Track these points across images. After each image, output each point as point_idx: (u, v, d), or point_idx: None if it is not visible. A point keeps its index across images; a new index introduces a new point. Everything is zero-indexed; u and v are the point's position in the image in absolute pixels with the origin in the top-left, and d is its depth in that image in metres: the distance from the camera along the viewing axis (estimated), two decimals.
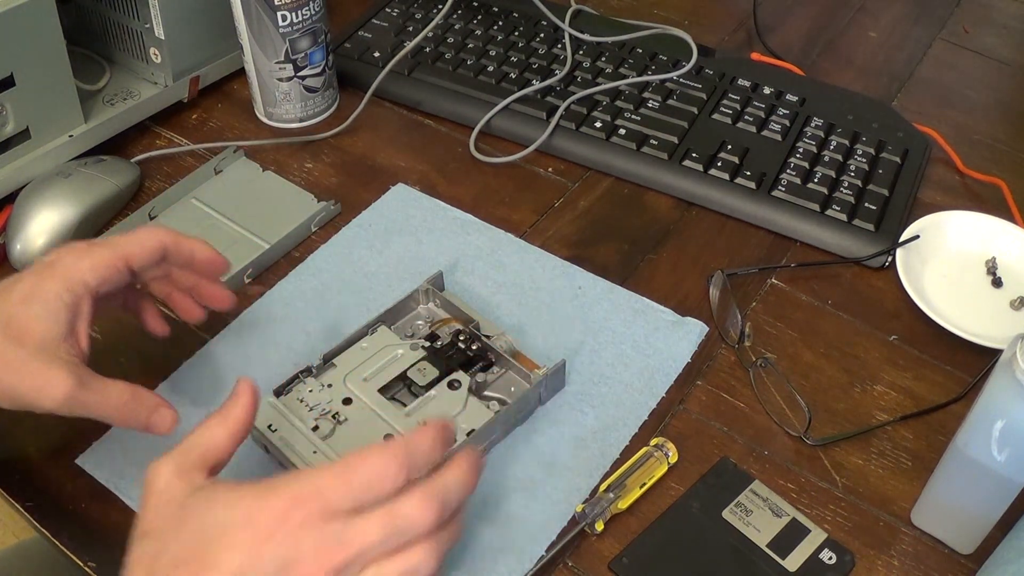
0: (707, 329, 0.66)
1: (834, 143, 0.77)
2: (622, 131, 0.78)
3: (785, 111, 0.80)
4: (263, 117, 0.81)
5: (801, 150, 0.77)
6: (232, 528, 0.44)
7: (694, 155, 0.76)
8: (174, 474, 0.47)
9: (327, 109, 0.82)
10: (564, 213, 0.75)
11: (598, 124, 0.78)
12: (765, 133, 0.78)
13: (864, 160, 0.76)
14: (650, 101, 0.80)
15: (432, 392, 0.59)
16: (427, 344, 0.62)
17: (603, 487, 0.56)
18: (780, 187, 0.74)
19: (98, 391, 0.51)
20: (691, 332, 0.66)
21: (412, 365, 0.61)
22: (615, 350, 0.64)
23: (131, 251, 0.55)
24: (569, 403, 0.61)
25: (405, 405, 0.59)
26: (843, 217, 0.72)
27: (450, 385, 0.60)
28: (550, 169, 0.78)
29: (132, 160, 0.76)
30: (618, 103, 0.80)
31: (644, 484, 0.57)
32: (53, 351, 0.51)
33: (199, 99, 0.82)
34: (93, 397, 0.51)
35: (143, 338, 0.61)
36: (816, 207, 0.73)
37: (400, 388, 0.60)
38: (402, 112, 0.83)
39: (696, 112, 0.80)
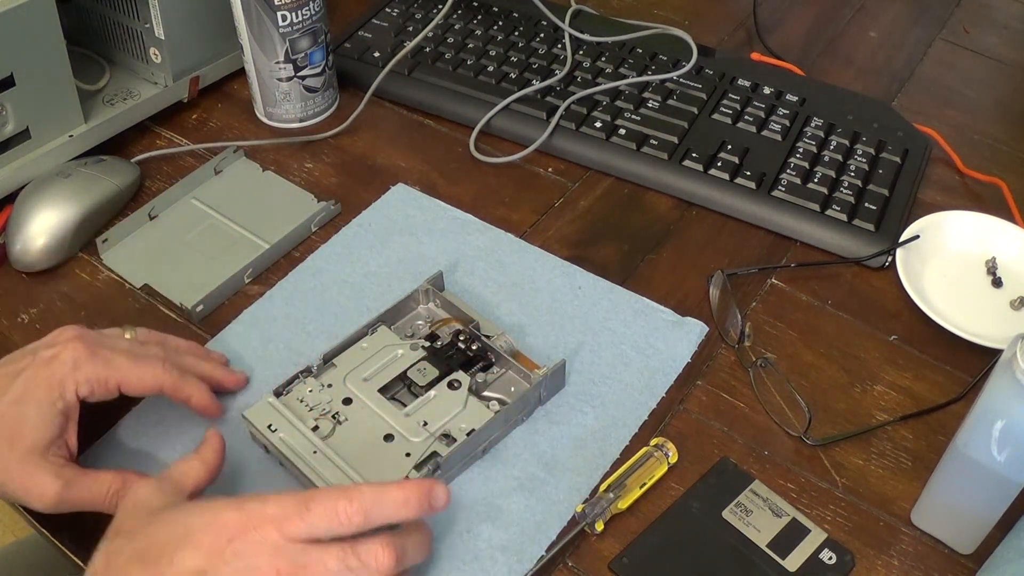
0: (707, 329, 0.66)
1: (834, 143, 0.77)
2: (622, 131, 0.78)
3: (785, 111, 0.80)
4: (263, 117, 0.81)
5: (801, 150, 0.77)
6: (195, 532, 0.45)
7: (694, 155, 0.76)
8: (154, 489, 0.50)
9: (327, 109, 0.82)
10: (564, 213, 0.75)
11: (598, 124, 0.78)
12: (765, 133, 0.78)
13: (864, 160, 0.76)
14: (650, 101, 0.80)
15: (432, 392, 0.59)
16: (427, 344, 0.62)
17: (603, 487, 0.56)
18: (780, 187, 0.74)
19: (85, 488, 0.53)
20: (691, 332, 0.66)
21: (412, 365, 0.61)
22: (615, 350, 0.64)
23: (126, 381, 0.55)
24: (569, 403, 0.61)
25: (405, 405, 0.59)
26: (843, 217, 0.72)
27: (450, 385, 0.60)
28: (550, 169, 0.78)
29: (132, 160, 0.76)
30: (618, 103, 0.80)
31: (644, 484, 0.57)
32: (42, 456, 0.52)
33: (199, 99, 0.82)
34: (81, 495, 0.53)
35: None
36: (816, 207, 0.73)
37: (400, 388, 0.60)
38: (402, 112, 0.83)
39: (696, 112, 0.80)
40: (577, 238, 0.73)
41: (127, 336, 0.58)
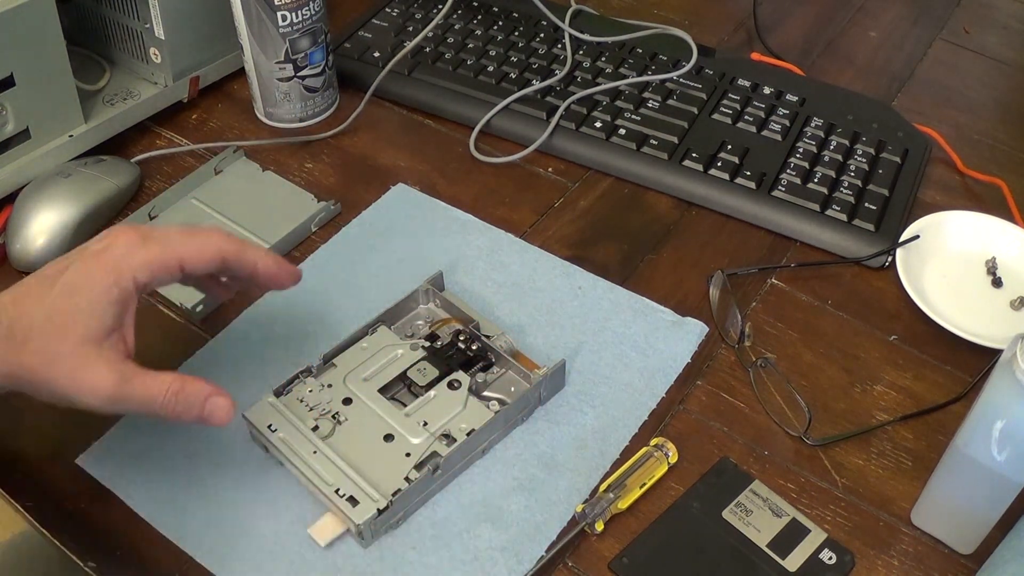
0: (707, 329, 0.66)
1: (834, 143, 0.77)
2: (622, 131, 0.78)
3: (785, 111, 0.80)
4: (263, 117, 0.81)
5: (801, 150, 0.77)
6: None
7: (694, 155, 0.76)
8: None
9: (327, 109, 0.82)
10: (564, 213, 0.75)
11: (598, 124, 0.78)
12: (765, 133, 0.78)
13: (864, 160, 0.76)
14: (650, 101, 0.80)
15: (432, 392, 0.59)
16: (427, 344, 0.62)
17: (603, 487, 0.56)
18: (780, 187, 0.74)
19: (143, 386, 0.49)
20: (691, 332, 0.66)
21: (412, 365, 0.61)
22: (615, 350, 0.64)
23: (187, 255, 0.51)
24: (569, 403, 0.61)
25: (405, 405, 0.59)
26: (843, 217, 0.72)
27: (450, 385, 0.60)
28: (550, 169, 0.78)
29: (132, 160, 0.76)
30: (618, 103, 0.80)
31: (644, 484, 0.57)
32: (96, 347, 0.49)
33: (199, 99, 0.82)
34: (138, 392, 0.49)
35: (143, 337, 0.60)
36: (816, 207, 0.73)
37: (400, 388, 0.60)
38: (402, 112, 0.83)
39: (696, 112, 0.80)
40: (577, 238, 0.73)
41: None
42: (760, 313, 0.68)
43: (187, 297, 0.66)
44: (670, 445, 0.58)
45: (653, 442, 0.59)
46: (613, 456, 0.59)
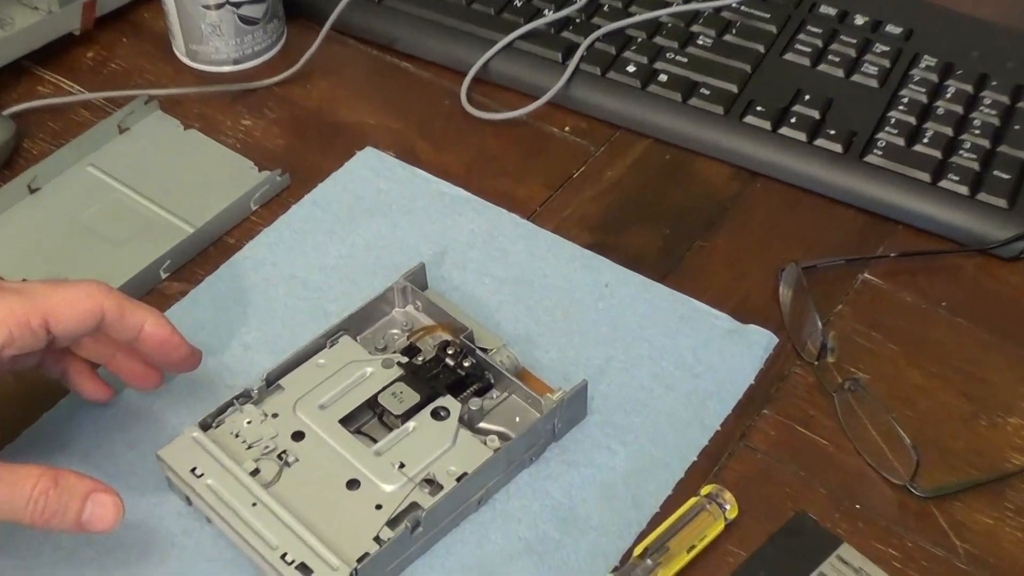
0: (776, 340, 0.67)
1: (952, 90, 0.78)
2: (663, 77, 0.79)
3: (884, 47, 0.80)
4: (184, 57, 0.82)
5: (906, 100, 0.77)
6: None
7: (759, 109, 0.77)
8: None
9: (271, 47, 0.82)
10: (585, 187, 0.75)
11: (631, 68, 0.79)
12: (856, 78, 0.79)
13: (994, 113, 0.76)
14: (700, 37, 0.81)
15: (411, 424, 0.60)
16: (404, 360, 0.63)
17: (638, 551, 0.57)
18: (876, 150, 0.74)
19: (2, 481, 0.50)
20: (755, 344, 0.66)
21: (384, 388, 0.61)
22: (653, 368, 0.65)
23: (54, 310, 0.53)
24: (592, 438, 0.62)
25: (375, 441, 0.60)
26: (963, 190, 0.73)
27: (435, 414, 0.60)
28: (567, 128, 0.79)
29: (4, 113, 0.76)
30: (658, 39, 0.81)
31: (693, 547, 0.57)
32: None
33: (97, 32, 0.83)
34: None
35: None
36: (926, 177, 0.73)
37: (369, 419, 0.61)
38: (371, 52, 0.84)
39: (763, 51, 0.81)
40: (602, 220, 0.73)
41: None
42: (848, 319, 0.69)
43: None
44: (727, 495, 0.59)
45: (704, 491, 0.59)
46: (652, 509, 0.59)
